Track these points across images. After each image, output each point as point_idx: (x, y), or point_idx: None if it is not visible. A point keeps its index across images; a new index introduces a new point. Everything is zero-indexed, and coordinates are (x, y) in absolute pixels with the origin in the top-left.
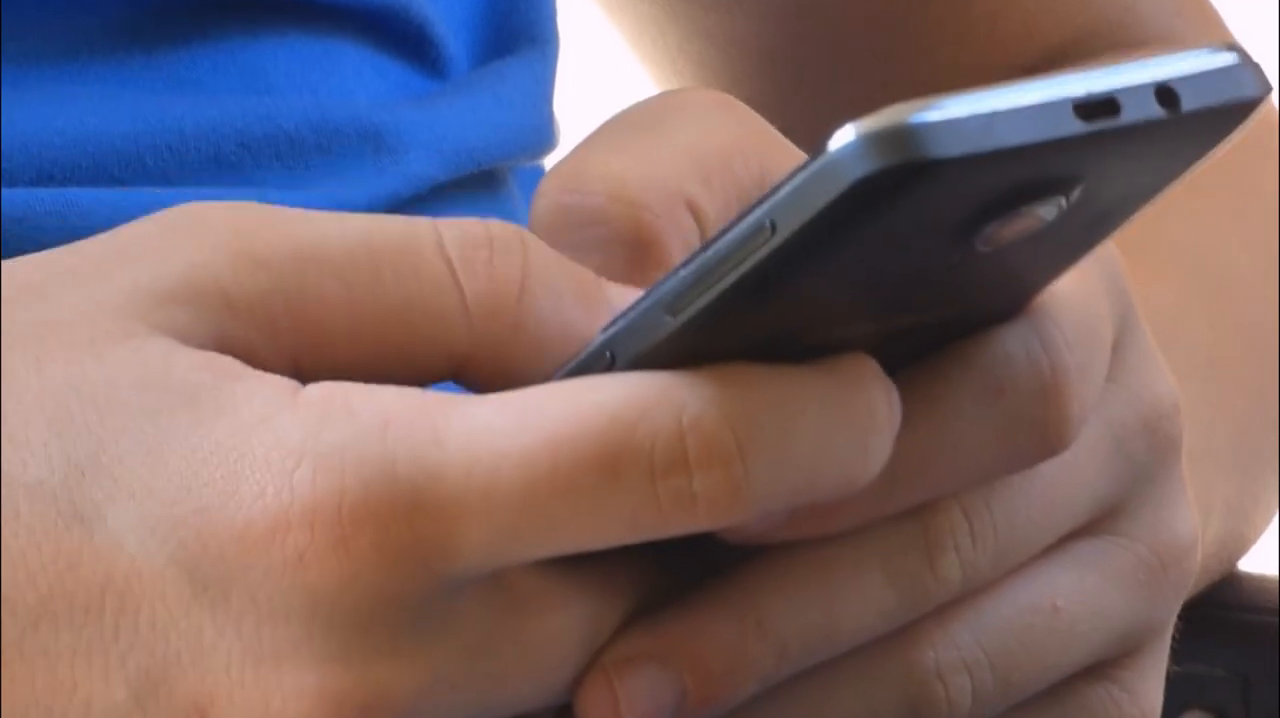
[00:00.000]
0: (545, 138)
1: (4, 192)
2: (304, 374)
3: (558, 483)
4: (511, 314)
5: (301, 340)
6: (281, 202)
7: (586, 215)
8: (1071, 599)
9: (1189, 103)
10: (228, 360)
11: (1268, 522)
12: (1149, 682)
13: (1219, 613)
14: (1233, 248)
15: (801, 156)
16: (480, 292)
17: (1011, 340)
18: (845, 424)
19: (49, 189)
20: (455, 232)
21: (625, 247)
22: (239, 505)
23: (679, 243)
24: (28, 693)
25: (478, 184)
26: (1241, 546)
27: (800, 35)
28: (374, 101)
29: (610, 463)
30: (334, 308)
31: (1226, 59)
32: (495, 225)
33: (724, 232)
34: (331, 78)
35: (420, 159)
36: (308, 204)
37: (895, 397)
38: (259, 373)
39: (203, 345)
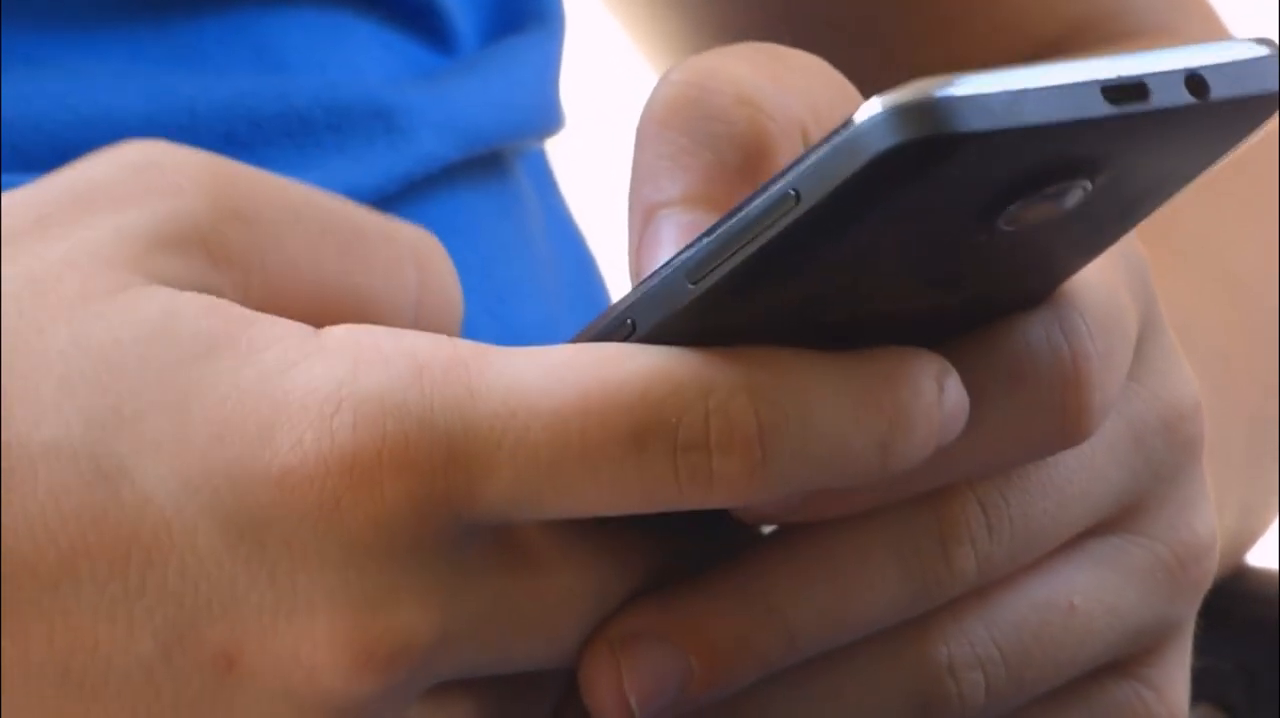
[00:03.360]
0: (553, 118)
1: (20, 177)
2: None
3: (586, 447)
4: (450, 329)
5: (267, 300)
6: None
7: (711, 110)
8: (1088, 597)
9: (1218, 91)
10: (226, 304)
11: (1275, 516)
12: (1174, 679)
13: (1224, 606)
14: (1244, 244)
15: None
16: (431, 305)
17: (1034, 327)
18: (866, 420)
19: None
20: (418, 236)
21: (740, 150)
22: (275, 452)
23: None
24: (44, 651)
25: (485, 166)
26: (1250, 540)
27: (794, 25)
28: (384, 79)
29: (637, 434)
30: (301, 275)
31: (1259, 50)
32: (434, 239)
33: (748, 201)
34: (341, 54)
35: (431, 138)
36: (319, 185)
37: (952, 396)
38: (269, 316)
39: (186, 289)
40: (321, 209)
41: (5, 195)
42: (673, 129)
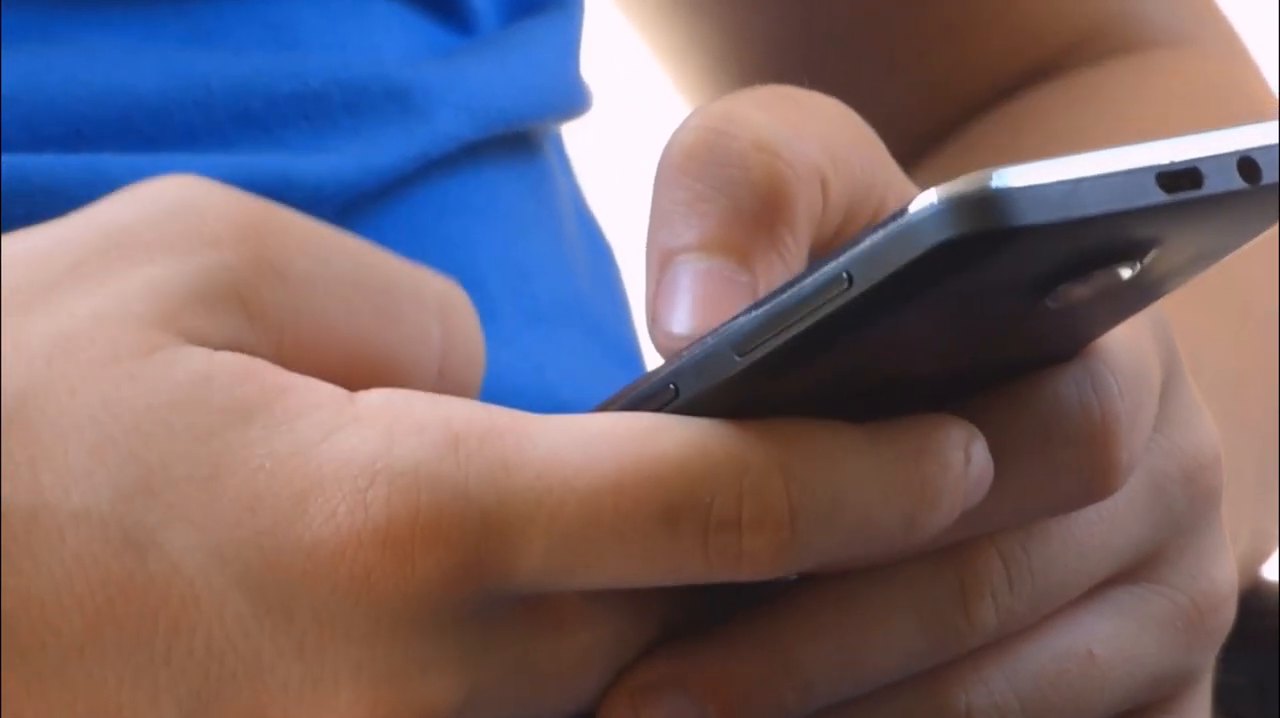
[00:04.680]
0: (576, 99)
1: (33, 155)
2: None
3: (618, 524)
4: (472, 387)
5: (299, 358)
6: (309, 165)
7: (728, 156)
8: (1107, 646)
9: (1269, 175)
10: (262, 365)
11: None
12: None
13: (1237, 620)
14: (1257, 267)
15: (904, 180)
16: (455, 363)
17: (1065, 385)
18: (894, 497)
19: (80, 155)
20: (445, 290)
21: (757, 197)
22: (307, 525)
23: (806, 211)
24: (66, 717)
25: (511, 145)
26: (1262, 560)
27: (809, 29)
28: (401, 58)
29: (669, 511)
30: (333, 333)
31: None
32: (461, 293)
33: (799, 279)
34: (358, 32)
35: (449, 118)
36: (336, 166)
37: (978, 464)
38: (304, 379)
39: (218, 347)
40: (354, 262)
41: (37, 234)
42: (690, 174)
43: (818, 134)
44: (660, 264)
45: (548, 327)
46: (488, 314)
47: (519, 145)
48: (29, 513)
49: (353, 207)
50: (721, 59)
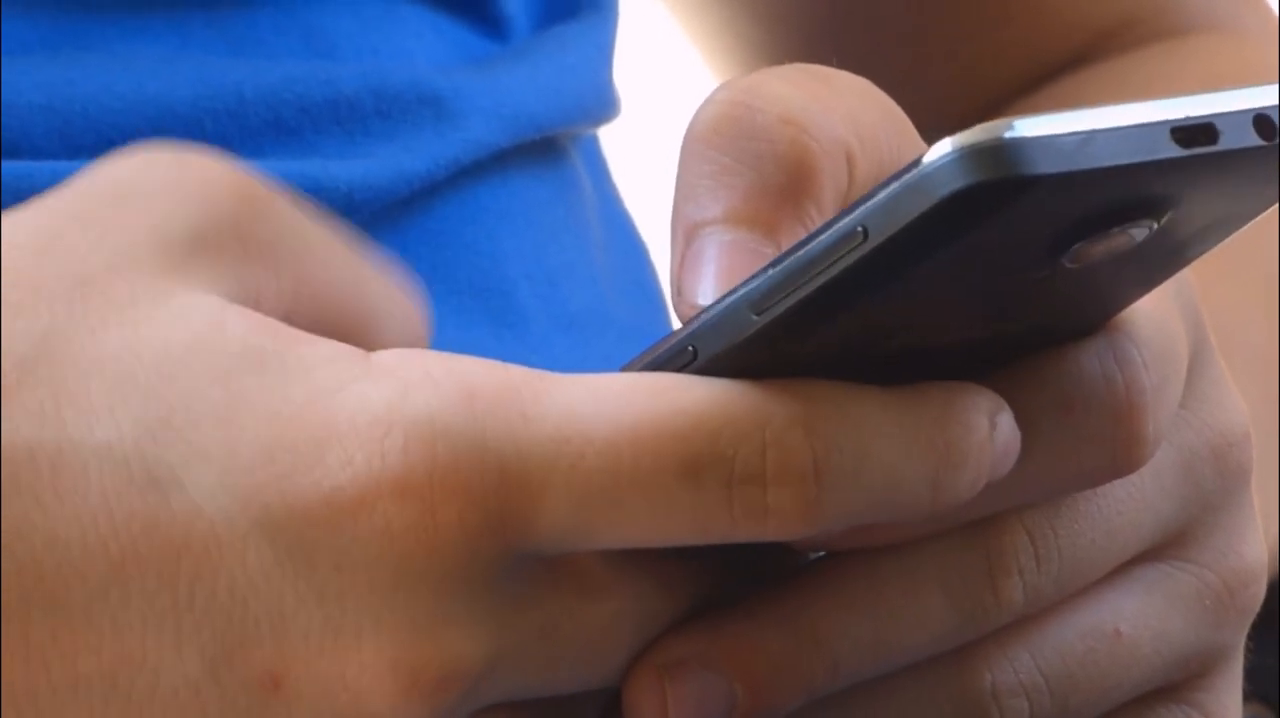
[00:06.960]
0: (606, 106)
1: (67, 163)
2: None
3: (639, 477)
4: (420, 339)
5: (298, 292)
6: (342, 171)
7: (755, 129)
8: (1134, 624)
9: None
10: (274, 323)
11: None
12: (1225, 704)
13: (1271, 604)
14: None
15: None
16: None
17: (1088, 357)
18: (918, 457)
19: None
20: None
21: (783, 170)
22: (325, 472)
23: (832, 185)
24: (92, 662)
25: (538, 152)
26: None
27: (844, 16)
28: (434, 64)
29: (690, 465)
30: (320, 283)
31: None
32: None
33: (814, 235)
34: (391, 39)
35: (480, 125)
36: (368, 172)
37: (1004, 432)
38: (318, 337)
39: (228, 294)
40: (323, 221)
41: (37, 200)
42: (716, 147)
43: (844, 110)
44: (685, 236)
45: (578, 333)
46: (518, 321)
47: (547, 151)
48: (54, 450)
49: (384, 214)
50: (757, 47)
